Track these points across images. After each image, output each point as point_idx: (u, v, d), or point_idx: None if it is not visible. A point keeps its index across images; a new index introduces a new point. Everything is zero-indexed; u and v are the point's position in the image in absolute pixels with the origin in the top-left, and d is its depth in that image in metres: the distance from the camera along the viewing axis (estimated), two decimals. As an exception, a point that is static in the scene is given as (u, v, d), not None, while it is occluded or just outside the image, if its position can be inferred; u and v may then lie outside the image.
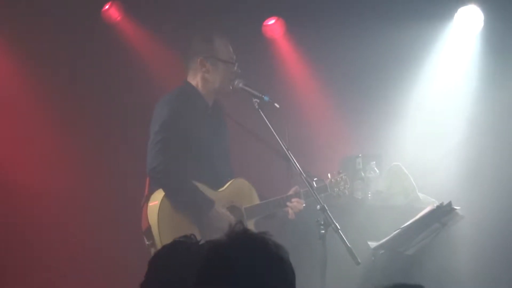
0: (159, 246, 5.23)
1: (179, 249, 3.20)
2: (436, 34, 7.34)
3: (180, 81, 5.84)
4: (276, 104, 5.47)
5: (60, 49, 6.90)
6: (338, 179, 6.02)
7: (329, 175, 6.01)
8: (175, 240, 3.26)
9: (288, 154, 5.26)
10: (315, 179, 5.64)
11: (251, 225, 5.53)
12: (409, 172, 6.60)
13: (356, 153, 6.48)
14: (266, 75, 7.14)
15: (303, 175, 5.23)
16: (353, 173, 6.20)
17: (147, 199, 5.52)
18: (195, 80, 5.75)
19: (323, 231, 4.99)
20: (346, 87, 7.45)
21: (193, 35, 5.86)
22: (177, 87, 5.81)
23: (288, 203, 5.75)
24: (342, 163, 6.60)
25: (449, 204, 5.75)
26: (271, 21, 7.58)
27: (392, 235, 5.75)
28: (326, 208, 5.02)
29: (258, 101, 5.47)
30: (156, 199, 5.45)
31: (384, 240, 5.78)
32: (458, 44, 7.39)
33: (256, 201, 5.75)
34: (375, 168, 6.49)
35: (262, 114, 5.41)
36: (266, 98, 5.47)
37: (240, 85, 5.63)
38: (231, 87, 5.67)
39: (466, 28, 7.31)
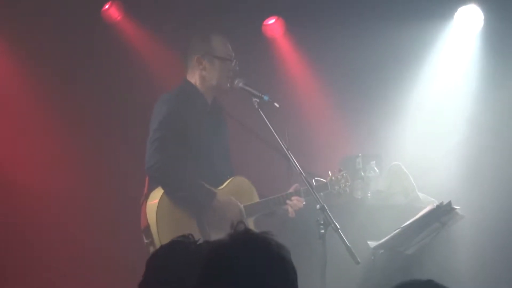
0: (157, 244, 5.23)
1: (177, 249, 3.20)
2: (436, 34, 7.34)
3: (180, 81, 5.84)
4: (276, 104, 5.47)
5: (60, 49, 6.91)
6: (338, 177, 6.02)
7: (329, 172, 6.01)
8: (173, 240, 3.25)
9: (288, 154, 5.27)
10: (314, 178, 5.65)
11: (250, 223, 5.53)
12: (409, 171, 6.59)
13: (356, 153, 6.48)
14: (266, 74, 7.14)
15: (302, 174, 5.23)
16: (353, 172, 6.20)
17: (146, 197, 5.53)
18: (193, 78, 5.76)
19: (323, 231, 4.99)
20: (346, 86, 7.45)
21: (193, 35, 5.88)
22: (177, 85, 5.82)
23: (288, 201, 5.75)
24: (342, 163, 6.60)
25: (449, 203, 5.75)
26: (271, 21, 7.59)
27: (392, 234, 5.75)
28: (326, 207, 5.03)
29: (258, 100, 5.47)
30: (155, 198, 5.45)
31: (384, 239, 5.77)
32: (458, 43, 7.39)
33: (256, 199, 5.75)
34: (375, 168, 6.49)
35: (262, 113, 5.41)
36: (266, 98, 5.48)
37: (240, 84, 5.63)
38: (229, 84, 5.68)
39: (466, 27, 7.32)
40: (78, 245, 6.92)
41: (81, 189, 6.99)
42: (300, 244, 5.78)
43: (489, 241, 6.94)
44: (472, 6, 7.23)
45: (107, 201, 6.94)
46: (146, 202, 5.51)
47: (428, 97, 7.40)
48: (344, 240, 4.92)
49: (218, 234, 5.39)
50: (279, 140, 5.30)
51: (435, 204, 5.81)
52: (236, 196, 5.67)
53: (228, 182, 5.69)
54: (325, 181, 5.92)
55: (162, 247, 3.30)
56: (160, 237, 5.33)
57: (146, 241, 5.45)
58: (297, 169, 5.24)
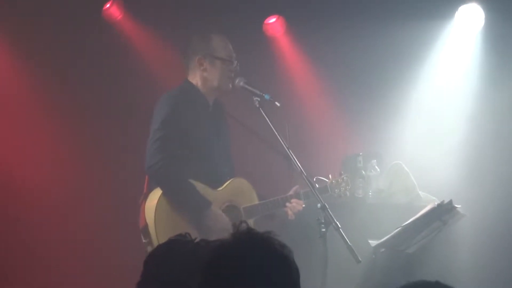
0: (155, 244, 5.25)
1: (174, 248, 3.19)
2: (437, 33, 7.34)
3: (180, 80, 5.84)
4: (276, 103, 5.47)
5: (60, 49, 6.90)
6: (339, 180, 6.02)
7: (330, 176, 6.00)
8: (170, 239, 3.25)
9: (288, 153, 5.26)
10: (315, 177, 5.64)
11: (251, 224, 5.52)
12: (409, 170, 6.58)
13: (357, 152, 6.46)
14: (267, 73, 7.13)
15: (303, 173, 5.22)
16: (354, 171, 6.19)
17: (145, 197, 5.53)
18: (195, 79, 5.75)
19: (324, 230, 5.00)
20: (346, 85, 7.45)
21: (194, 34, 5.87)
22: (178, 85, 5.81)
23: (287, 204, 5.75)
24: (343, 162, 6.60)
25: (450, 202, 5.74)
26: (272, 20, 7.59)
27: (393, 233, 5.75)
28: (327, 206, 5.02)
29: (258, 99, 5.48)
30: (154, 198, 5.46)
31: (384, 238, 5.77)
32: (458, 42, 7.39)
33: (255, 200, 5.75)
34: (376, 167, 6.48)
35: (262, 112, 5.41)
36: (266, 97, 5.48)
37: (241, 83, 5.63)
38: (230, 85, 5.67)
39: (467, 26, 7.31)
40: (77, 244, 6.92)
41: (81, 188, 6.99)
42: (301, 243, 5.76)
43: (490, 240, 6.94)
44: (473, 5, 7.23)
45: (107, 201, 6.94)
46: (145, 201, 5.52)
47: (429, 96, 7.40)
48: (345, 239, 4.92)
49: (216, 234, 5.38)
50: (280, 139, 5.30)
51: (436, 203, 5.81)
52: (236, 197, 5.67)
53: (228, 183, 5.69)
54: (325, 180, 5.91)
55: (159, 246, 3.30)
56: (158, 236, 5.34)
57: (144, 240, 5.46)
58: (298, 168, 5.23)
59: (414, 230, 5.78)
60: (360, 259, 4.95)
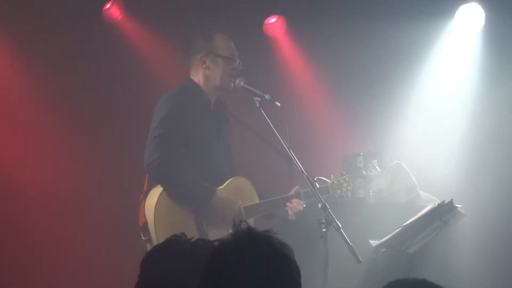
0: (155, 242, 5.25)
1: (171, 248, 3.18)
2: (437, 32, 7.34)
3: (181, 80, 5.84)
4: (277, 103, 5.46)
5: (60, 49, 6.90)
6: (340, 180, 6.01)
7: (331, 176, 6.00)
8: (166, 239, 3.23)
9: (289, 153, 5.26)
10: (316, 178, 5.64)
11: (250, 224, 5.51)
12: (410, 170, 6.58)
13: (358, 151, 6.48)
14: (267, 73, 7.14)
15: (304, 173, 5.22)
16: (355, 171, 6.20)
17: (145, 195, 5.53)
18: (197, 77, 5.75)
19: (324, 230, 4.99)
20: (347, 85, 7.45)
21: (194, 34, 5.87)
22: (179, 84, 5.81)
23: (288, 204, 5.75)
24: (343, 162, 6.60)
25: (451, 202, 5.74)
26: (272, 20, 7.58)
27: (393, 233, 5.75)
28: (327, 206, 5.02)
29: (259, 99, 5.47)
30: (154, 196, 5.46)
31: (385, 238, 5.77)
32: (459, 42, 7.39)
33: (256, 200, 5.75)
34: (377, 166, 6.48)
35: (263, 112, 5.41)
36: (267, 97, 5.47)
37: (242, 83, 5.63)
38: (232, 84, 5.67)
39: (467, 26, 7.31)
40: (77, 244, 6.92)
41: (81, 187, 6.99)
42: (302, 243, 5.77)
43: (491, 240, 6.94)
44: (473, 4, 7.23)
45: (107, 200, 6.94)
46: (145, 199, 5.52)
47: (429, 96, 7.40)
48: (346, 239, 4.91)
49: (216, 232, 5.39)
50: (280, 139, 5.29)
51: (436, 203, 5.80)
52: (236, 197, 5.66)
53: (228, 182, 5.69)
54: (327, 180, 5.91)
55: (156, 247, 3.29)
56: (157, 234, 5.35)
57: (143, 238, 5.47)
58: (299, 168, 5.23)
59: (415, 230, 5.78)
60: (361, 259, 4.95)
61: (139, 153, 5.68)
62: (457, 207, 5.77)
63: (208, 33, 5.77)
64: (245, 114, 5.92)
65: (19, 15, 6.73)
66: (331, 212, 4.99)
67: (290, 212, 5.74)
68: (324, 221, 5.00)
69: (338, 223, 4.96)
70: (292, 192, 5.79)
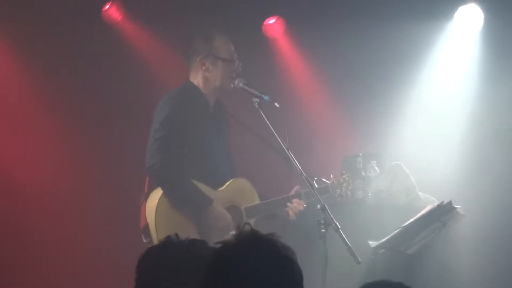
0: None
1: (168, 249, 3.17)
2: (437, 33, 7.33)
3: (181, 81, 5.84)
4: (276, 104, 5.47)
5: (60, 49, 6.91)
6: (340, 180, 6.01)
7: (331, 175, 6.00)
8: (162, 241, 3.21)
9: (288, 154, 5.26)
10: (315, 178, 5.65)
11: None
12: (409, 171, 6.59)
13: (357, 152, 6.48)
14: (266, 74, 7.13)
15: (303, 174, 5.23)
16: (354, 172, 6.19)
17: (146, 197, 5.54)
18: (196, 79, 5.75)
19: (324, 231, 5.00)
20: (346, 86, 7.45)
21: (193, 35, 5.87)
22: (179, 86, 5.81)
23: (288, 204, 5.75)
24: (342, 162, 6.60)
25: (450, 203, 5.75)
26: (271, 21, 7.57)
27: (392, 234, 5.75)
28: (327, 207, 5.03)
29: (258, 100, 5.47)
30: (155, 198, 5.46)
31: (384, 239, 5.77)
32: (458, 43, 7.38)
33: (256, 201, 5.75)
34: (376, 167, 6.48)
35: (262, 113, 5.41)
36: (266, 98, 5.47)
37: (241, 84, 5.63)
38: (232, 86, 5.67)
39: (466, 27, 7.30)
40: (78, 244, 6.93)
41: (81, 189, 7.00)
42: (301, 244, 5.77)
43: (490, 240, 6.94)
44: (472, 5, 7.22)
45: (108, 201, 6.95)
46: (146, 201, 5.52)
47: (429, 97, 7.39)
48: (345, 240, 4.92)
49: (216, 234, 5.39)
50: (279, 140, 5.29)
51: (435, 204, 5.81)
52: (237, 198, 5.67)
53: (229, 184, 5.69)
54: (326, 181, 5.91)
55: (150, 249, 3.26)
56: (158, 237, 5.34)
57: (145, 240, 5.47)
58: (298, 169, 5.24)
59: (414, 231, 5.79)
60: (360, 260, 4.96)
61: (139, 153, 5.69)
62: (456, 208, 5.78)
63: (207, 35, 5.76)
64: (245, 115, 5.93)
65: (19, 15, 6.74)
66: (330, 213, 5.00)
67: (290, 212, 5.74)
68: (323, 222, 5.00)
69: (337, 224, 4.96)
70: (292, 192, 5.79)
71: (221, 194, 5.62)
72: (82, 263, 6.93)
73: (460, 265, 6.45)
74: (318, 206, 5.04)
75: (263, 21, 7.54)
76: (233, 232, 2.73)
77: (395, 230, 5.76)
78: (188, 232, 5.10)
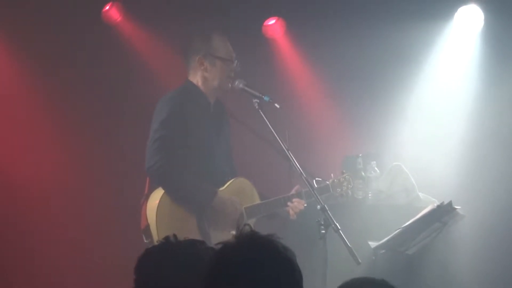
0: (157, 244, 5.25)
1: (167, 249, 3.17)
2: (437, 34, 7.34)
3: (181, 81, 5.84)
4: (276, 105, 5.48)
5: (60, 50, 6.91)
6: (341, 179, 6.01)
7: (332, 175, 6.00)
8: (160, 242, 3.21)
9: (288, 155, 5.27)
10: (315, 179, 5.65)
11: (251, 225, 5.53)
12: (409, 171, 6.59)
13: (357, 153, 6.47)
14: (266, 75, 7.13)
15: (303, 175, 5.23)
16: (354, 172, 6.19)
17: (147, 197, 5.54)
18: (195, 79, 5.76)
19: (324, 231, 5.00)
20: (346, 86, 7.45)
21: (192, 35, 5.87)
22: (179, 86, 5.82)
23: (288, 203, 5.74)
24: (342, 163, 6.60)
25: (450, 203, 5.75)
26: (272, 21, 7.58)
27: (392, 234, 5.76)
28: (326, 208, 5.03)
29: (258, 101, 5.48)
30: (156, 198, 5.47)
31: (384, 239, 5.78)
32: (458, 43, 7.38)
33: (257, 200, 5.76)
34: (376, 168, 6.48)
35: (262, 114, 5.41)
36: (266, 99, 5.48)
37: (240, 85, 5.63)
38: (230, 85, 5.68)
39: (467, 27, 7.31)
40: (78, 245, 6.93)
41: (81, 189, 7.00)
42: (301, 245, 5.78)
43: (490, 241, 6.94)
44: (472, 6, 7.23)
45: (108, 201, 6.95)
46: (147, 202, 5.52)
47: (429, 97, 7.39)
48: (345, 241, 4.93)
49: (218, 234, 5.40)
50: (279, 140, 5.30)
51: (435, 204, 5.81)
52: (237, 198, 5.67)
53: (229, 183, 5.70)
54: (326, 181, 5.91)
55: (149, 250, 3.25)
56: (159, 237, 5.32)
57: (145, 241, 5.47)
58: (298, 170, 5.24)
59: (414, 232, 5.79)
60: (360, 260, 4.96)
61: (139, 153, 5.69)
62: (456, 208, 5.78)
63: (205, 35, 5.77)
64: (245, 115, 5.93)
65: (19, 15, 6.74)
66: (330, 214, 5.00)
67: (291, 211, 5.74)
68: (323, 223, 5.01)
69: (337, 224, 4.97)
70: (293, 192, 5.79)
71: (222, 193, 5.62)
72: (82, 263, 6.93)
73: (460, 266, 6.46)
74: (318, 206, 5.05)
75: (263, 21, 7.54)
76: (233, 232, 2.73)
77: (395, 230, 5.76)
78: (189, 232, 5.11)
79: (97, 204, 7.00)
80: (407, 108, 7.36)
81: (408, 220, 5.78)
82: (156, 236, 5.34)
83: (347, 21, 7.27)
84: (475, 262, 6.71)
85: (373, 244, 5.81)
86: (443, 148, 7.20)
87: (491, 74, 7.23)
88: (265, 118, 5.38)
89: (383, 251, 5.86)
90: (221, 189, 5.64)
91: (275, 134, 5.31)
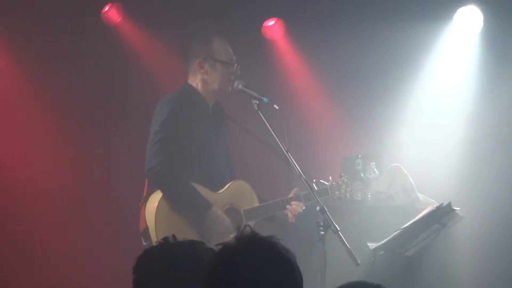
0: (157, 247, 5.25)
1: (166, 250, 3.16)
2: (436, 35, 7.34)
3: (180, 83, 5.84)
4: (275, 106, 5.47)
5: (60, 50, 6.91)
6: (339, 182, 5.99)
7: (330, 177, 6.00)
8: (159, 243, 3.21)
9: (287, 156, 5.27)
10: (314, 180, 5.65)
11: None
12: (408, 172, 6.59)
13: (356, 154, 6.47)
14: (266, 76, 7.14)
15: (302, 176, 5.23)
16: (353, 174, 6.19)
17: (146, 199, 5.54)
18: (195, 82, 5.74)
19: (323, 233, 5.00)
20: (345, 88, 7.45)
21: (193, 37, 5.86)
22: (178, 88, 5.82)
23: (287, 206, 5.74)
24: (342, 164, 6.60)
25: (449, 204, 5.75)
26: (271, 22, 7.58)
27: (392, 236, 5.75)
28: (326, 209, 5.03)
29: (257, 102, 5.47)
30: (155, 200, 5.46)
31: (384, 241, 5.77)
32: (457, 44, 7.38)
33: (256, 203, 5.75)
34: (375, 169, 6.48)
35: (261, 115, 5.41)
36: (265, 100, 5.47)
37: (240, 86, 5.62)
38: (230, 88, 5.67)
39: (466, 28, 7.31)
40: (77, 246, 6.93)
41: (81, 191, 7.00)
42: (300, 246, 5.78)
43: (490, 242, 6.94)
44: (471, 7, 7.23)
45: (107, 203, 6.95)
46: (146, 204, 5.52)
47: (428, 98, 7.40)
48: (344, 242, 4.93)
49: (215, 238, 5.39)
50: (279, 142, 5.30)
51: (435, 205, 5.81)
52: (236, 200, 5.67)
53: (228, 186, 5.69)
54: (325, 183, 5.91)
55: (148, 251, 3.24)
56: (158, 239, 5.31)
57: (144, 243, 5.47)
58: (297, 171, 5.24)
59: (413, 233, 5.79)
60: (359, 261, 4.97)
61: (139, 156, 5.69)
62: (455, 209, 5.78)
63: (205, 38, 5.75)
64: (244, 117, 5.93)
65: (19, 16, 6.74)
66: (329, 215, 5.01)
67: (290, 214, 5.73)
68: (322, 224, 5.01)
69: (336, 226, 4.97)
70: (291, 194, 5.79)
71: (220, 197, 5.62)
72: (82, 265, 6.93)
73: (460, 267, 6.45)
74: (317, 208, 5.05)
75: (263, 22, 7.54)
76: (233, 235, 2.73)
77: (395, 232, 5.76)
78: (188, 234, 5.09)
79: (97, 204, 7.01)
80: (406, 109, 7.36)
81: (408, 221, 5.78)
82: (155, 238, 5.33)
83: (346, 22, 7.27)
84: (475, 263, 6.71)
85: (372, 245, 5.80)
86: (442, 149, 7.21)
87: (490, 75, 7.24)
88: (264, 119, 5.37)
89: (382, 252, 5.85)
90: (219, 191, 5.64)
91: (274, 135, 5.31)
